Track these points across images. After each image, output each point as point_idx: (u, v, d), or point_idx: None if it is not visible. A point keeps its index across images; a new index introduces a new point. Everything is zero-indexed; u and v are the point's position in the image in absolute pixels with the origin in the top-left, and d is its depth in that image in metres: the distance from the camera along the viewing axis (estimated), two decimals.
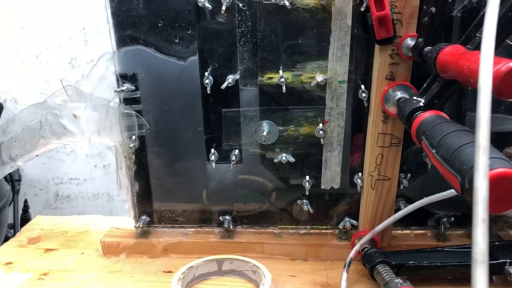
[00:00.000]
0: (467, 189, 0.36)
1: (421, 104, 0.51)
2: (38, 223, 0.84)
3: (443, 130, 0.43)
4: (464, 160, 0.37)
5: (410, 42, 0.56)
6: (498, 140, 0.65)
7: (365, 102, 0.63)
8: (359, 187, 0.67)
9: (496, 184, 0.34)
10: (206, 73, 0.63)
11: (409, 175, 0.67)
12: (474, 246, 0.27)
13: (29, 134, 0.72)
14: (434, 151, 0.42)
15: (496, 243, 0.65)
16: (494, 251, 0.64)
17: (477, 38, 0.47)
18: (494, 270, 0.62)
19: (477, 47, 0.46)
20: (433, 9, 0.51)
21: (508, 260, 0.61)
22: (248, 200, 0.72)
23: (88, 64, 1.61)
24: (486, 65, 0.34)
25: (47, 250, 0.75)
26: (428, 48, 0.51)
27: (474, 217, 0.28)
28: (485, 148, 0.29)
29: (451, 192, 0.59)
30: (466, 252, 0.64)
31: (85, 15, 1.53)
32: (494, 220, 0.70)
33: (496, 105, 0.64)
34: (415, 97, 0.53)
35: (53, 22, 1.53)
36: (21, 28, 1.53)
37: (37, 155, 0.75)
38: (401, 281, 0.55)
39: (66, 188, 2.21)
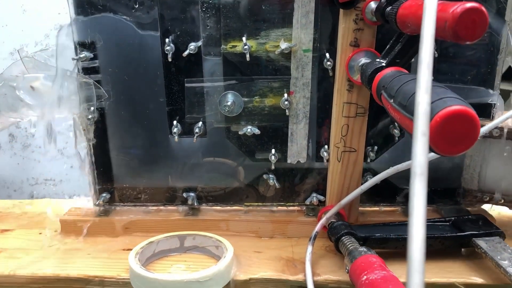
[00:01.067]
0: None
1: (383, 64, 0.50)
2: None
3: (401, 80, 0.41)
4: None
5: (374, 6, 0.55)
6: None
7: (330, 71, 0.61)
8: (325, 160, 0.65)
9: (450, 121, 0.33)
10: (167, 40, 0.61)
11: (376, 147, 0.66)
12: (413, 159, 0.26)
13: None
14: (392, 100, 0.41)
15: (464, 217, 0.65)
16: (462, 224, 0.63)
17: None
18: (463, 243, 0.61)
19: None
20: None
21: (475, 232, 0.61)
22: (214, 182, 0.69)
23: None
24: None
25: (3, 231, 0.72)
26: (389, 7, 0.50)
27: (414, 131, 0.26)
28: (428, 64, 0.27)
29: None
30: (434, 225, 0.63)
31: (62, 12, 1.50)
32: (463, 195, 0.69)
33: (462, 75, 0.63)
34: (377, 59, 0.52)
35: (28, 19, 1.50)
36: None
37: None
38: (365, 249, 0.53)
39: (42, 189, 2.16)
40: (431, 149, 0.34)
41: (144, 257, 0.60)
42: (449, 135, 0.33)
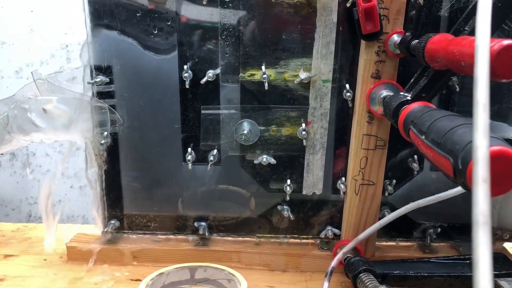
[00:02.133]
0: (459, 170, 0.33)
1: (409, 98, 0.49)
2: (0, 230, 0.79)
3: (433, 116, 0.40)
4: (456, 140, 0.34)
5: (397, 38, 0.55)
6: None
7: (349, 102, 0.60)
8: (342, 193, 0.64)
9: (494, 161, 0.31)
10: (185, 67, 0.60)
11: (394, 181, 0.64)
12: (475, 207, 0.24)
13: None
14: (423, 137, 0.39)
15: None
16: None
17: (466, 31, 0.46)
18: None
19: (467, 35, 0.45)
20: (421, 1, 0.50)
21: (496, 272, 0.58)
22: (226, 211, 0.68)
23: (68, 81, 1.59)
24: (483, 39, 0.32)
25: (6, 256, 0.69)
26: (416, 41, 0.50)
27: (474, 177, 0.25)
28: (485, 106, 0.26)
29: (437, 197, 0.56)
30: (453, 263, 0.61)
31: (68, 32, 1.50)
32: None
33: None
34: (402, 93, 0.51)
35: (35, 38, 1.51)
36: (1, 43, 1.50)
37: (1, 154, 0.70)
38: (385, 287, 0.51)
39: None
40: (467, 188, 0.33)
41: None
42: (493, 176, 0.32)
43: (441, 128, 0.37)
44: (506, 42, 0.35)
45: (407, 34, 0.52)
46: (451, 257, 0.62)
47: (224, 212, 0.67)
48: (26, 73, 1.53)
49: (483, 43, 0.30)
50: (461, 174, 0.33)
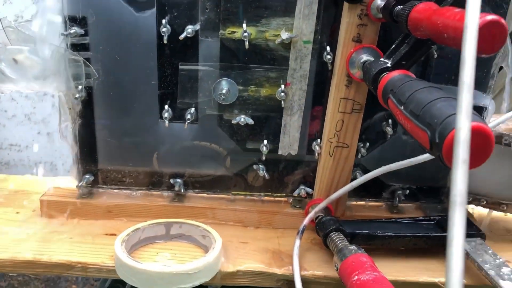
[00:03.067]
0: (436, 144, 0.34)
1: (389, 64, 0.50)
2: None
3: (413, 86, 0.41)
4: (435, 113, 0.35)
5: (380, 2, 0.54)
6: None
7: (329, 65, 0.60)
8: (316, 154, 0.65)
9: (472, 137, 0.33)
10: (164, 21, 0.58)
11: (367, 144, 0.66)
12: (453, 187, 0.25)
13: None
14: (402, 107, 0.40)
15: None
16: (445, 224, 0.64)
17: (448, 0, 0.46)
18: (446, 243, 0.62)
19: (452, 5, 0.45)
20: None
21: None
22: (201, 166, 0.68)
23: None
24: (472, 20, 0.32)
25: None
26: (399, 7, 0.49)
27: (455, 158, 0.26)
28: (470, 87, 0.27)
29: (409, 162, 0.58)
30: (419, 224, 0.64)
31: None
32: (447, 194, 0.70)
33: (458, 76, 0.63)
34: (382, 59, 0.51)
35: None
36: None
37: None
38: (355, 248, 0.54)
39: (6, 154, 2.09)
40: (442, 162, 0.34)
41: (129, 244, 0.58)
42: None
43: (421, 100, 0.38)
44: (489, 17, 0.35)
45: None
46: (417, 218, 0.65)
47: (200, 168, 0.68)
48: None
49: (471, 24, 0.30)
50: (438, 147, 0.34)
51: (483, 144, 0.33)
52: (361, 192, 0.70)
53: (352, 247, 0.54)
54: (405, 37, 0.50)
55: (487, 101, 0.64)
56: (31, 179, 0.79)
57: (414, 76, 0.45)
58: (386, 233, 0.61)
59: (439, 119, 0.34)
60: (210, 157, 0.67)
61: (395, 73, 0.46)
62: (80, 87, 0.61)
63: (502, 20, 0.35)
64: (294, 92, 0.63)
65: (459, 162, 0.25)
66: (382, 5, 0.53)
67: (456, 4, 0.45)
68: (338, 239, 0.57)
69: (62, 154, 2.00)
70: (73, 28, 0.58)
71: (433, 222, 0.65)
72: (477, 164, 0.34)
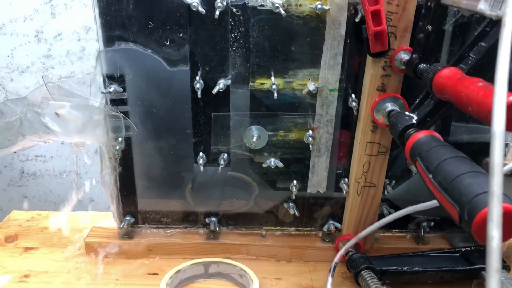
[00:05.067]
0: (465, 221, 0.37)
1: (414, 121, 0.52)
2: (15, 219, 0.82)
3: (440, 155, 0.44)
4: (463, 191, 0.38)
5: (403, 55, 0.57)
6: (478, 150, 0.67)
7: (355, 111, 0.63)
8: (344, 192, 0.68)
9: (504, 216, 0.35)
10: (197, 77, 0.62)
11: (393, 181, 0.68)
12: (488, 267, 0.29)
13: (7, 130, 0.70)
14: (431, 176, 0.43)
15: (473, 247, 0.68)
16: (471, 256, 0.67)
17: (471, 58, 0.48)
18: (472, 275, 0.65)
19: (472, 68, 0.47)
20: (429, 27, 0.52)
21: (484, 266, 0.64)
22: (235, 196, 0.71)
23: (55, 38, 1.56)
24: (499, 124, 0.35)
25: (27, 249, 0.73)
26: (423, 66, 0.52)
27: (488, 267, 0.29)
28: (499, 197, 0.30)
29: (434, 203, 0.61)
30: (445, 257, 0.67)
31: None
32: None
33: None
34: (407, 113, 0.54)
35: None
36: None
37: (14, 152, 0.72)
38: None
39: (32, 165, 2.15)
40: (471, 235, 0.37)
41: (173, 285, 0.63)
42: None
43: (449, 173, 0.41)
44: None
45: (414, 56, 0.54)
46: (442, 251, 0.68)
47: (234, 196, 0.71)
48: (10, 29, 1.50)
49: (499, 109, 0.33)
50: (467, 224, 0.37)
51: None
52: (388, 224, 0.73)
53: (384, 287, 0.57)
54: (429, 92, 0.53)
55: (508, 137, 0.66)
56: (71, 215, 0.83)
57: (440, 137, 0.48)
58: (414, 269, 0.64)
59: (467, 197, 0.37)
60: (242, 189, 0.71)
61: (422, 134, 0.49)
62: (120, 139, 0.65)
63: None
64: (321, 135, 0.66)
65: (493, 272, 0.28)
66: (406, 59, 0.56)
67: (477, 67, 0.47)
68: (369, 278, 0.60)
69: (85, 163, 2.06)
70: (112, 86, 0.62)
71: (458, 254, 0.67)
72: (507, 238, 0.37)
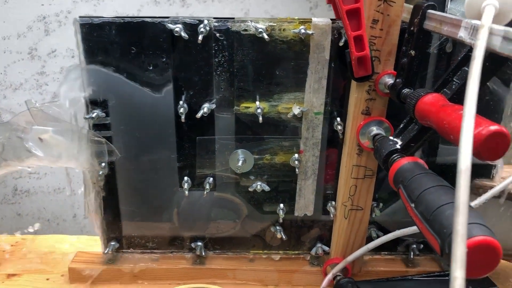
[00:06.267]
0: (446, 254, 0.36)
1: (398, 146, 0.52)
2: None
3: (422, 184, 0.43)
4: (444, 223, 0.37)
5: (388, 79, 0.57)
6: None
7: (340, 134, 0.63)
8: (332, 215, 0.67)
9: (475, 251, 0.35)
10: (181, 101, 0.61)
11: (381, 204, 0.68)
12: None
13: None
14: (413, 205, 0.42)
15: None
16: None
17: (454, 82, 0.48)
18: None
19: (455, 93, 0.47)
20: (412, 52, 0.51)
21: None
22: (222, 217, 0.70)
23: (49, 55, 1.56)
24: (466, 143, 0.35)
25: (10, 275, 0.72)
26: (406, 91, 0.52)
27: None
28: (463, 236, 0.29)
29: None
30: (434, 280, 0.66)
31: (45, 3, 1.46)
32: None
33: None
34: (391, 138, 0.54)
35: (10, 10, 1.47)
36: None
37: None
38: None
39: (26, 182, 2.13)
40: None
41: None
42: (473, 262, 0.35)
43: (430, 203, 0.40)
44: (493, 128, 0.37)
45: (398, 80, 0.54)
46: (431, 274, 0.67)
47: (220, 218, 0.70)
48: (3, 46, 1.50)
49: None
50: (449, 257, 0.36)
51: (490, 255, 0.35)
52: (377, 246, 0.72)
53: None
54: (412, 118, 0.52)
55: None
56: (56, 239, 0.82)
57: (424, 164, 0.47)
58: None
59: (448, 229, 0.36)
60: (231, 209, 0.70)
61: (405, 161, 0.48)
62: (103, 164, 0.64)
63: (505, 130, 0.37)
64: (307, 158, 0.65)
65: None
66: (390, 83, 0.56)
67: (460, 92, 0.47)
68: None
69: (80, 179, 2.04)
70: (95, 111, 0.62)
71: (448, 278, 0.66)
72: (486, 272, 0.36)
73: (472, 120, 0.36)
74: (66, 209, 1.91)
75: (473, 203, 0.61)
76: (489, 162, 0.66)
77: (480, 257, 0.35)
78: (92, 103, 0.62)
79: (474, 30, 0.41)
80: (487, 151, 0.38)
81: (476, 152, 0.38)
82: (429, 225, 0.39)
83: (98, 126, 0.63)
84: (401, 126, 0.53)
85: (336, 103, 0.63)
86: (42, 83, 1.57)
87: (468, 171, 0.34)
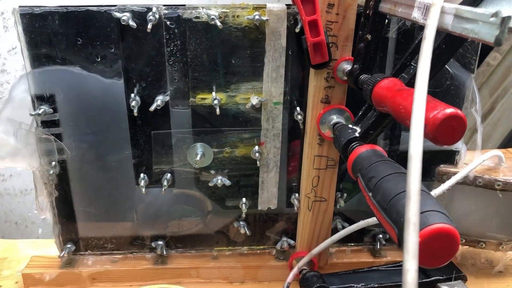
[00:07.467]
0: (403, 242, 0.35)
1: (357, 134, 0.50)
2: None
3: (379, 171, 0.41)
4: (401, 211, 0.36)
5: (346, 66, 0.55)
6: (431, 158, 0.65)
7: (300, 124, 0.61)
8: (296, 208, 0.65)
9: (431, 240, 0.33)
10: (133, 94, 0.58)
11: (345, 194, 0.66)
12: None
13: None
14: (370, 194, 0.41)
15: None
16: (426, 268, 0.65)
17: (412, 67, 0.47)
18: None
19: (412, 78, 0.46)
20: (369, 36, 0.50)
21: (440, 277, 0.63)
22: (183, 215, 0.68)
23: (9, 52, 1.50)
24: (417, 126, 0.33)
25: None
26: (364, 77, 0.50)
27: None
28: (415, 225, 0.27)
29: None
30: (401, 270, 0.65)
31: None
32: None
33: None
34: (350, 125, 0.52)
35: None
36: None
37: None
38: None
39: None
40: None
41: None
42: (430, 252, 0.33)
43: (387, 191, 0.38)
44: (448, 110, 0.36)
45: (355, 66, 0.52)
46: (399, 264, 0.66)
47: (182, 216, 0.67)
48: None
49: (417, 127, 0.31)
50: None
51: (448, 243, 0.33)
52: (343, 238, 0.71)
53: None
54: (371, 105, 0.51)
55: (459, 145, 0.65)
56: (12, 244, 0.78)
57: (382, 151, 0.46)
58: (370, 285, 0.62)
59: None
60: (193, 206, 0.67)
61: (363, 149, 0.46)
62: (53, 162, 0.61)
63: (461, 114, 0.36)
64: (268, 150, 0.63)
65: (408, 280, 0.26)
66: (348, 70, 0.54)
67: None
68: None
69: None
70: (42, 107, 0.58)
71: None
72: (444, 261, 0.35)
73: (424, 102, 0.35)
74: (34, 211, 1.85)
75: (436, 190, 0.60)
76: (452, 148, 0.65)
77: (438, 246, 0.34)
78: (39, 99, 0.58)
79: (427, 10, 0.39)
80: (443, 135, 0.36)
81: (432, 137, 0.36)
82: (386, 214, 0.38)
83: (46, 123, 0.60)
84: (360, 113, 0.52)
85: (296, 92, 0.61)
86: (3, 81, 1.51)
87: (419, 156, 0.32)
